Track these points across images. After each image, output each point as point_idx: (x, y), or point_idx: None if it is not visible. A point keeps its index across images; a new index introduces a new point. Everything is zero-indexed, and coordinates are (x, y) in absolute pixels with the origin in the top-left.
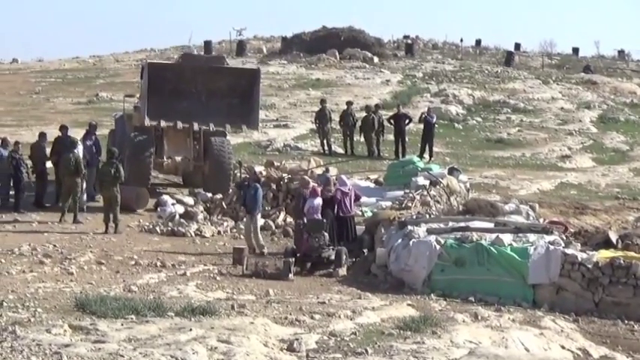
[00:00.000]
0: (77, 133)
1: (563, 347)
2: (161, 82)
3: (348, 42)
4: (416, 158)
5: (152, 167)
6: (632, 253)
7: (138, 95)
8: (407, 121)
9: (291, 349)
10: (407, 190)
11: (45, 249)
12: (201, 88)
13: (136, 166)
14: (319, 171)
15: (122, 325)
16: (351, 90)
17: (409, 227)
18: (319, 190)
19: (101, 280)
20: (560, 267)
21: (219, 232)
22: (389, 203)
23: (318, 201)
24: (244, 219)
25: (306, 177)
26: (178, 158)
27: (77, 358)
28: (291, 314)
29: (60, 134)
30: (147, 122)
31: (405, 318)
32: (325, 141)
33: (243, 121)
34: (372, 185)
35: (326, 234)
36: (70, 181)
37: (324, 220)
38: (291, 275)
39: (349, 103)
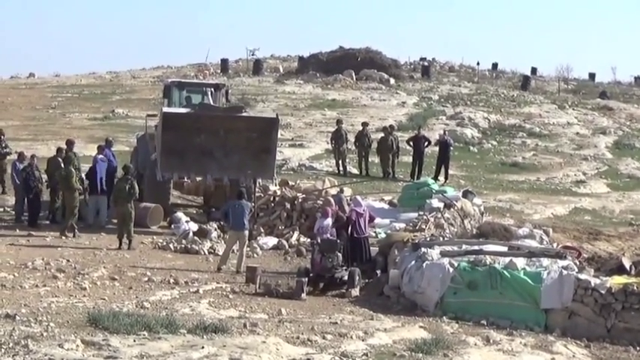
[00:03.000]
0: (92, 149)
1: None
2: (176, 131)
3: (364, 63)
4: (430, 180)
5: (172, 187)
6: None
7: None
8: (426, 143)
9: None
10: (421, 212)
11: (58, 264)
12: (217, 138)
13: (157, 186)
14: (334, 191)
15: (134, 341)
16: (367, 111)
17: (423, 249)
18: (330, 210)
19: (114, 296)
20: (573, 292)
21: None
22: (403, 225)
23: (329, 221)
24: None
25: (329, 197)
26: (199, 178)
27: None
28: (303, 334)
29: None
30: (159, 177)
31: (417, 340)
32: (340, 161)
33: (259, 172)
34: (387, 207)
35: (339, 254)
36: (66, 195)
37: (338, 241)
38: (303, 295)
39: (365, 124)
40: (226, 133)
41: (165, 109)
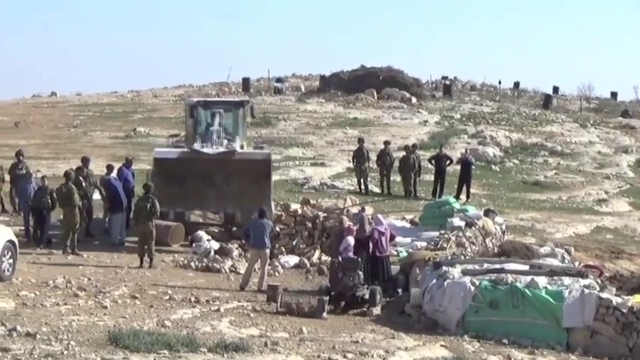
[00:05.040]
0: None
1: None
2: (170, 174)
3: (386, 82)
4: (452, 199)
5: None
6: None
7: (183, 134)
8: (448, 162)
9: None
10: (442, 231)
11: (79, 282)
12: (212, 177)
13: None
14: (355, 210)
15: (154, 359)
16: (389, 130)
17: (444, 268)
18: (354, 229)
19: (135, 315)
20: (595, 311)
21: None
22: (424, 244)
23: (352, 240)
24: (249, 253)
25: (343, 216)
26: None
27: None
28: (324, 353)
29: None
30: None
31: (438, 359)
32: (362, 180)
33: (255, 203)
34: (408, 225)
35: (361, 273)
36: (65, 212)
37: (360, 259)
38: (325, 313)
39: (387, 143)
40: (221, 175)
41: (157, 154)
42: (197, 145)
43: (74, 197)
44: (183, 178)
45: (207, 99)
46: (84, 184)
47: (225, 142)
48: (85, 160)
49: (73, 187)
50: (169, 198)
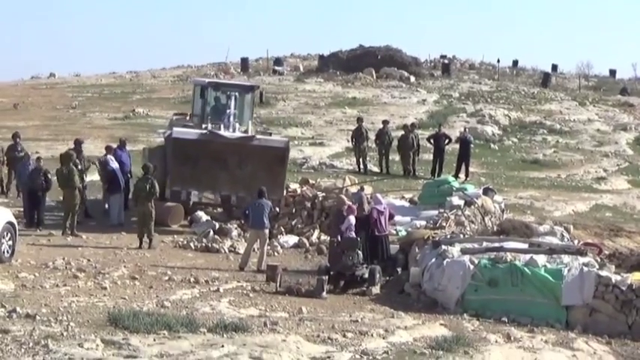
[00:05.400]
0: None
1: None
2: (187, 155)
3: (385, 61)
4: (451, 178)
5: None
6: None
7: (189, 114)
8: (446, 140)
9: None
10: (441, 210)
11: (79, 263)
12: (227, 161)
13: None
14: (354, 189)
15: (154, 340)
16: (387, 109)
17: (443, 247)
18: (355, 208)
19: (134, 295)
20: (594, 289)
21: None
22: (423, 222)
23: (354, 219)
24: (248, 233)
25: (342, 196)
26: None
27: None
28: (323, 332)
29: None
30: (167, 194)
31: (438, 338)
32: (361, 159)
33: (268, 190)
34: (407, 204)
35: (360, 252)
36: (65, 193)
37: (359, 239)
38: (324, 293)
39: (385, 122)
40: (236, 157)
41: (176, 134)
42: (208, 126)
43: (74, 179)
44: (198, 160)
45: (219, 81)
46: (79, 166)
47: (237, 125)
48: (78, 142)
49: (74, 168)
50: (182, 179)
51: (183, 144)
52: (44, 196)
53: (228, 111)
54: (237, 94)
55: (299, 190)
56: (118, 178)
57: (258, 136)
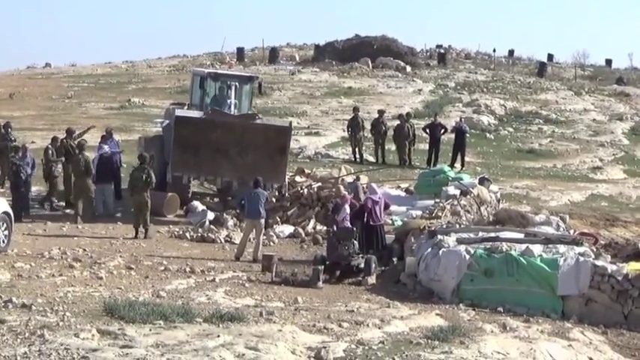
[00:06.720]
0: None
1: (591, 359)
2: (188, 135)
3: (380, 51)
4: (447, 168)
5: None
6: None
7: (187, 103)
8: (442, 130)
9: (318, 357)
10: (437, 200)
11: (75, 253)
12: (229, 143)
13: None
14: (350, 179)
15: (150, 330)
16: (383, 99)
17: (439, 237)
18: (349, 197)
19: (130, 285)
20: (590, 279)
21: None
22: (419, 212)
23: (348, 208)
24: (244, 223)
25: (340, 186)
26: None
27: None
28: (319, 322)
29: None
30: (168, 178)
31: (434, 327)
32: (357, 149)
33: (270, 176)
34: (403, 194)
35: (356, 242)
36: (80, 182)
37: (355, 229)
38: (320, 283)
39: (381, 112)
40: (238, 139)
41: (178, 112)
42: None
43: (90, 167)
44: (199, 145)
45: (219, 71)
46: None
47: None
48: (70, 132)
49: (89, 157)
50: (184, 164)
51: (187, 122)
52: (30, 185)
53: (228, 101)
54: (236, 84)
55: (295, 180)
56: (110, 167)
57: (261, 117)
